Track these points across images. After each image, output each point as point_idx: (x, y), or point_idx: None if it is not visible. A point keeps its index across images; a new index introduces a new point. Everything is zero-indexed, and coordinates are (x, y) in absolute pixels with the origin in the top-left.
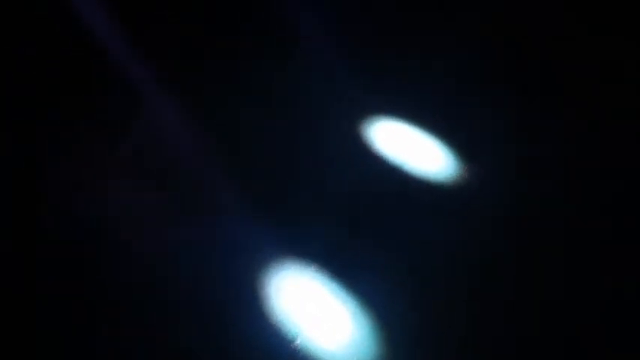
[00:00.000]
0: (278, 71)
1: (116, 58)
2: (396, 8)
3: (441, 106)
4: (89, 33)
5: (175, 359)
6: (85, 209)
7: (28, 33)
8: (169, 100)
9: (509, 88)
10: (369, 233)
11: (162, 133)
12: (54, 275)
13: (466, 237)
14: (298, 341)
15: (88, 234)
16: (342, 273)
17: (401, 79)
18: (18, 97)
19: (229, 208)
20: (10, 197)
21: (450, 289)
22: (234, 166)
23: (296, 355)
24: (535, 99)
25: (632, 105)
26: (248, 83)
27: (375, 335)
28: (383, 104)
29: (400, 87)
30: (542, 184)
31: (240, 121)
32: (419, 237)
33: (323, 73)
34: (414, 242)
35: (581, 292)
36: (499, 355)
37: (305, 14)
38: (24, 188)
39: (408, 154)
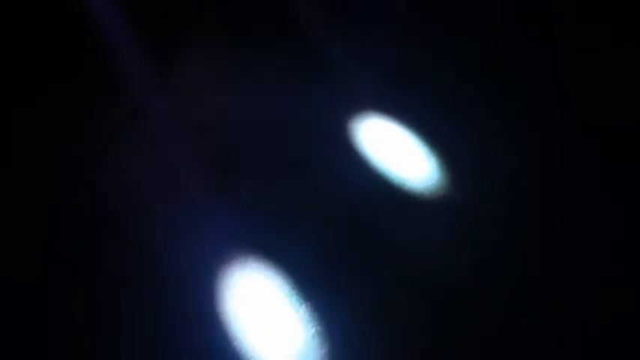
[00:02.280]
0: (278, 66)
1: (113, 43)
2: (403, 11)
3: (439, 109)
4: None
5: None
6: (81, 205)
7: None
8: (162, 95)
9: (508, 90)
10: (357, 241)
11: (153, 129)
12: (49, 274)
13: (459, 243)
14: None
15: (82, 230)
16: (324, 281)
17: (402, 81)
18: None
19: (214, 207)
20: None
21: (442, 303)
22: (224, 163)
23: None
24: (534, 101)
25: (630, 108)
26: (247, 77)
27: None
28: (382, 105)
29: (401, 88)
30: (539, 190)
31: (234, 116)
32: (409, 245)
33: (322, 70)
34: (403, 251)
35: (580, 296)
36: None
37: (311, 13)
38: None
39: (401, 158)
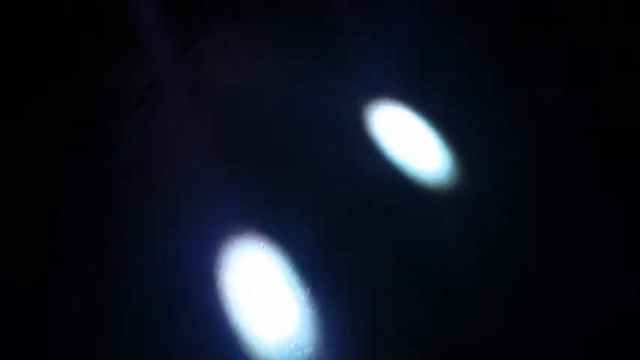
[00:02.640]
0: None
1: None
2: (417, 4)
3: (450, 99)
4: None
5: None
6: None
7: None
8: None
9: (519, 83)
10: (362, 234)
11: (163, 123)
12: (50, 274)
13: (464, 239)
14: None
15: (82, 230)
16: (326, 274)
17: (415, 71)
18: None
19: (215, 202)
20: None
21: (444, 292)
22: (230, 146)
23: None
24: (543, 94)
25: (635, 100)
26: (268, 57)
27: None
28: (394, 95)
29: (413, 78)
30: (541, 186)
31: (248, 97)
32: (415, 241)
33: (336, 59)
34: (405, 247)
35: (580, 296)
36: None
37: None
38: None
39: (411, 149)
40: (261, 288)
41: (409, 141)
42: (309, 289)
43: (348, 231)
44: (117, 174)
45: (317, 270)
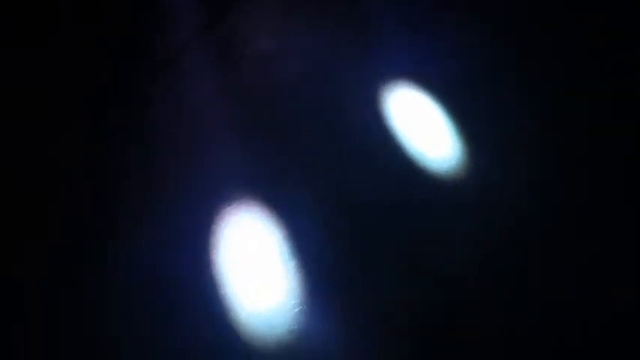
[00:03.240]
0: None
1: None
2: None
3: (468, 87)
4: None
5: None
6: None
7: None
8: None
9: (541, 75)
10: (364, 232)
11: (181, 100)
12: (49, 272)
13: (465, 238)
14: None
15: (82, 230)
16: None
17: (435, 58)
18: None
19: (217, 201)
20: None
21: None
22: (247, 138)
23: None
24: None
25: None
26: (297, 29)
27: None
28: (413, 81)
29: (433, 65)
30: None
31: (274, 69)
32: (419, 239)
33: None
34: (415, 240)
35: (580, 296)
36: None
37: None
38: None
39: (427, 140)
40: (261, 286)
41: (424, 132)
42: (308, 286)
43: (349, 228)
44: (117, 174)
45: (317, 268)
